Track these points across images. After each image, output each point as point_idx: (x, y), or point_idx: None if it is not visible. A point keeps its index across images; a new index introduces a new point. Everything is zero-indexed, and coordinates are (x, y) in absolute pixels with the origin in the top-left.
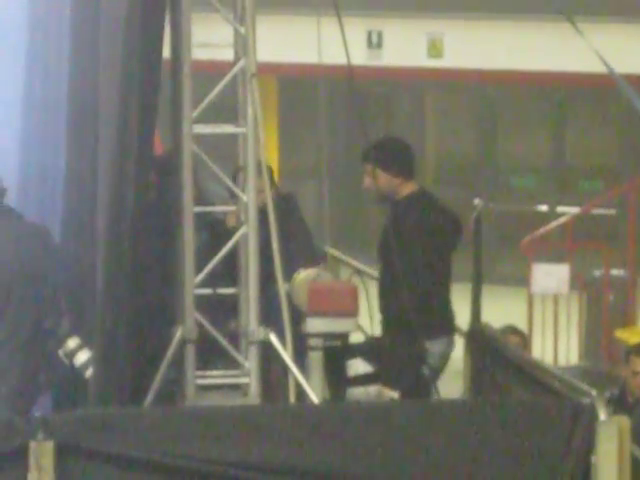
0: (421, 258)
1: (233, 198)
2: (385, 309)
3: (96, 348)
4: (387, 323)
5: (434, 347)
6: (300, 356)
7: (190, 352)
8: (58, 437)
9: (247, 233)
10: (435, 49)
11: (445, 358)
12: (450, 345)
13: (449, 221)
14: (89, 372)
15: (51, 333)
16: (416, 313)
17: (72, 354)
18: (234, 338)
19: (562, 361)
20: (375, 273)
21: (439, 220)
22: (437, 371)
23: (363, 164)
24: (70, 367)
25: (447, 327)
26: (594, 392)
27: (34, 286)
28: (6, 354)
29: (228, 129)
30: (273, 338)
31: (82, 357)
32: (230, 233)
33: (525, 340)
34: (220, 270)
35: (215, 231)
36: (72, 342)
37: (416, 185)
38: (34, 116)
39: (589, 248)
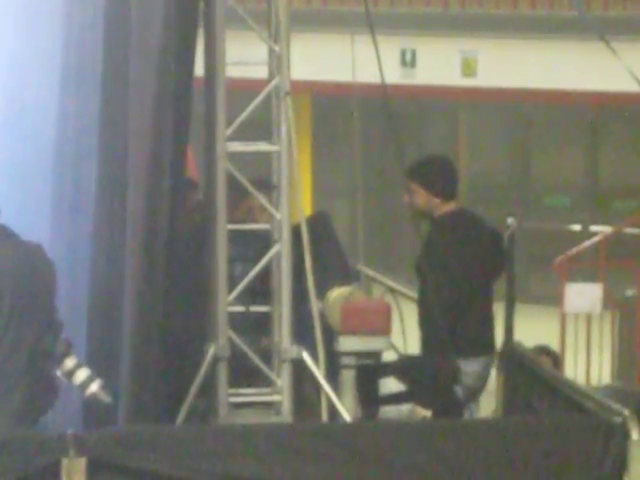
0: (455, 277)
1: None
2: (423, 327)
3: (128, 365)
4: (425, 341)
5: (471, 367)
6: (332, 374)
7: (223, 370)
8: (90, 454)
9: (280, 251)
10: (469, 68)
11: (483, 378)
12: (489, 365)
13: (488, 239)
14: (89, 390)
15: (48, 354)
16: (450, 332)
17: (71, 373)
18: (266, 356)
19: (594, 380)
20: (408, 292)
21: (476, 238)
22: (474, 391)
23: (406, 180)
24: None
25: (486, 347)
26: (626, 411)
27: (32, 306)
28: (7, 375)
29: (262, 147)
30: (306, 356)
31: (81, 376)
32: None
33: (556, 361)
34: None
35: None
36: (70, 361)
37: (456, 204)
38: (67, 137)
39: (622, 267)
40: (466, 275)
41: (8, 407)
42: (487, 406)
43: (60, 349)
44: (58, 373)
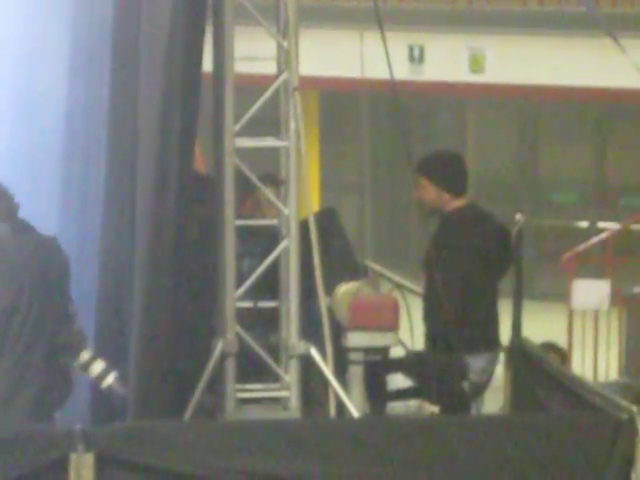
0: (464, 272)
1: None
2: (428, 322)
3: (136, 359)
4: (430, 336)
5: (476, 362)
6: (340, 370)
7: (230, 365)
8: (98, 449)
9: (288, 246)
10: (476, 64)
11: (488, 374)
12: (493, 361)
13: (497, 236)
14: (105, 383)
15: (64, 347)
16: (457, 328)
17: (86, 366)
18: (274, 351)
19: (602, 377)
20: (416, 288)
21: (485, 234)
22: (479, 387)
23: (415, 176)
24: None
25: (490, 343)
26: (634, 408)
27: (49, 300)
28: (24, 368)
29: (270, 142)
30: (313, 352)
31: (97, 368)
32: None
33: (564, 357)
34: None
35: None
36: (85, 354)
37: (466, 200)
38: (76, 132)
39: (630, 264)
40: (474, 271)
41: (23, 401)
42: (494, 402)
43: (75, 341)
44: (74, 365)
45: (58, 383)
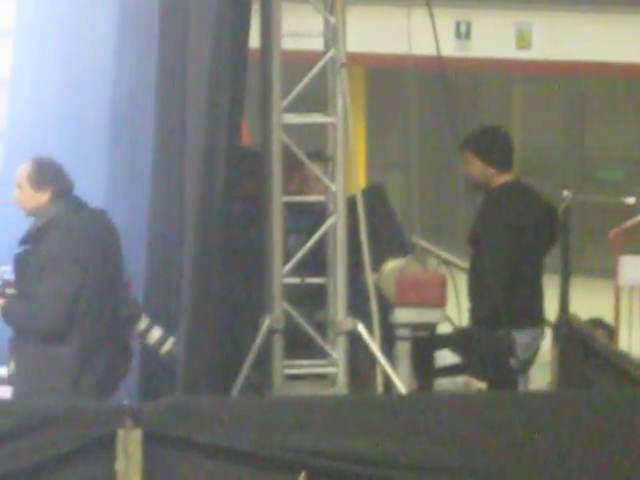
0: (509, 248)
1: None
2: (474, 298)
3: (184, 335)
4: (475, 312)
5: (521, 338)
6: (388, 347)
7: (278, 341)
8: (146, 425)
9: (336, 223)
10: (524, 40)
11: (533, 350)
12: (538, 337)
13: (543, 212)
14: (165, 348)
15: (125, 320)
16: (502, 304)
17: (144, 333)
18: (321, 328)
19: None
20: (463, 264)
21: (531, 210)
22: (525, 363)
23: (462, 151)
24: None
25: (534, 318)
26: None
27: (109, 275)
28: (91, 346)
29: (318, 119)
30: (361, 328)
31: (155, 335)
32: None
33: (611, 333)
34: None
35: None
36: (143, 323)
37: (511, 176)
38: (122, 110)
39: None
40: (518, 247)
41: (92, 376)
42: (540, 379)
43: (133, 312)
44: (134, 334)
45: (121, 357)
